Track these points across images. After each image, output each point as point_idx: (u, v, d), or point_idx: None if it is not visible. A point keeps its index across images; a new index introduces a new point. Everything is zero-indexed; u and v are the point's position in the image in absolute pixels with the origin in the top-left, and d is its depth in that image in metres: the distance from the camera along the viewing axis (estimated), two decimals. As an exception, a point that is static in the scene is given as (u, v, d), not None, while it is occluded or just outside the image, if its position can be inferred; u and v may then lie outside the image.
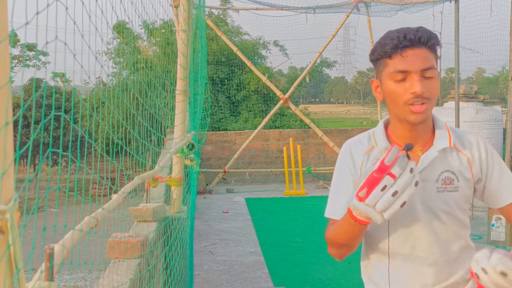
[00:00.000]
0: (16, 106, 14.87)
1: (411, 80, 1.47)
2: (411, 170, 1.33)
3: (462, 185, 1.57)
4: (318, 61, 16.33)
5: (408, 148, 1.37)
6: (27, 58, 22.57)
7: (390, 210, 1.33)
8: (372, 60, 1.57)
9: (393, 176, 1.32)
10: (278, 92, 11.30)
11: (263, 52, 17.70)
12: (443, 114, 9.89)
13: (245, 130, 12.56)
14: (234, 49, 11.31)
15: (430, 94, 1.47)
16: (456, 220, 1.59)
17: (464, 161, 1.59)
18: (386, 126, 1.65)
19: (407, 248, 1.58)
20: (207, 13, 11.02)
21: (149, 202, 3.43)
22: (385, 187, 1.32)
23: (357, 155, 1.63)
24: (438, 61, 1.56)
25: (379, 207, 1.33)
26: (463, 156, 1.60)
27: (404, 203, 1.33)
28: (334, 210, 1.62)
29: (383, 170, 1.32)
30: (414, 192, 1.35)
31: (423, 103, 1.47)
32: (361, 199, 1.35)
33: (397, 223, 1.58)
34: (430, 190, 1.55)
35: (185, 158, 3.87)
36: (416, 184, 1.34)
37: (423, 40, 1.47)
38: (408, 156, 1.36)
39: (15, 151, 0.79)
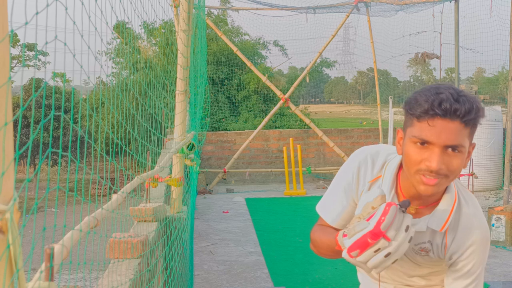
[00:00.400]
0: (16, 106, 14.88)
1: (431, 152, 1.33)
2: (407, 228, 1.28)
3: (435, 258, 1.54)
4: (318, 61, 16.34)
5: (405, 205, 1.31)
6: (27, 58, 22.58)
7: (380, 267, 1.30)
8: (404, 110, 1.42)
9: (388, 239, 1.27)
10: (278, 92, 11.30)
11: (263, 52, 17.72)
12: (443, 114, 9.87)
13: (245, 130, 12.56)
14: (234, 49, 11.31)
15: (449, 172, 1.34)
16: (425, 279, 1.63)
17: (443, 243, 1.51)
18: (399, 171, 1.53)
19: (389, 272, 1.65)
20: (206, 12, 11.02)
21: (149, 202, 3.43)
22: (378, 249, 1.28)
23: (363, 179, 1.57)
24: (473, 136, 1.39)
25: (371, 265, 1.29)
26: (445, 240, 1.50)
27: (396, 260, 1.30)
28: (326, 213, 1.63)
29: (378, 235, 1.27)
30: (407, 248, 1.30)
31: (436, 178, 1.34)
32: (352, 257, 1.31)
33: None
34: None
35: (185, 158, 3.87)
36: (410, 240, 1.30)
37: (459, 113, 1.30)
38: (403, 211, 1.30)
39: (14, 151, 0.79)
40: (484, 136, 9.77)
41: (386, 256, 1.27)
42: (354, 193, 1.58)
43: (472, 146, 1.41)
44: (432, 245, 1.50)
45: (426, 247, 1.50)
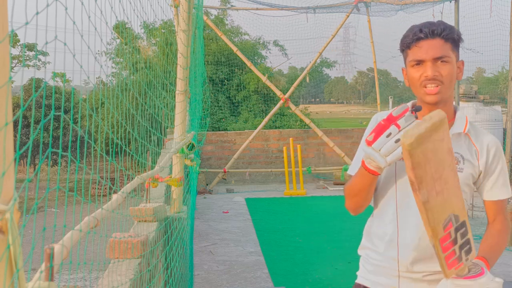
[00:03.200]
0: (16, 106, 14.88)
1: (425, 66, 1.70)
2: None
3: (466, 168, 1.76)
4: (318, 61, 16.34)
5: (417, 109, 1.54)
6: (27, 58, 22.58)
7: (392, 155, 1.52)
8: (400, 51, 1.80)
9: (398, 126, 1.51)
10: (278, 92, 11.30)
11: (263, 52, 17.71)
12: (443, 114, 9.87)
13: (245, 130, 12.56)
14: (234, 49, 11.31)
15: (443, 77, 1.68)
16: None
17: (473, 150, 1.79)
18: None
19: (406, 209, 1.76)
20: (204, 11, 11.01)
21: (149, 202, 3.43)
22: (389, 134, 1.51)
23: None
24: (458, 48, 1.76)
25: (383, 152, 1.53)
26: (473, 146, 1.79)
27: None
28: (353, 168, 1.82)
29: (390, 120, 1.52)
30: None
31: (437, 85, 1.68)
32: (369, 143, 1.55)
33: (403, 185, 1.74)
34: None
35: (185, 158, 3.87)
36: None
37: (437, 32, 1.68)
38: (416, 116, 1.52)
39: (15, 151, 0.79)
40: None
41: (397, 142, 1.50)
42: None
43: (461, 62, 1.77)
44: (462, 156, 1.76)
45: (456, 157, 1.74)
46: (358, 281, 1.91)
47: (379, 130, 1.53)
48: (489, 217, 1.86)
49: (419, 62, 1.70)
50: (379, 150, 1.53)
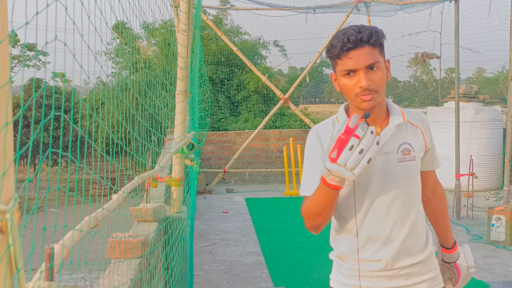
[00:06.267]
0: (16, 106, 14.88)
1: (358, 76, 1.69)
2: (372, 132, 1.52)
3: (417, 154, 1.82)
4: (318, 61, 16.32)
5: (366, 116, 1.57)
6: (27, 58, 22.60)
7: (359, 167, 1.51)
8: (328, 58, 1.77)
9: (357, 137, 1.51)
10: (278, 92, 11.30)
11: (263, 52, 17.71)
12: (443, 114, 9.88)
13: (245, 130, 12.55)
14: (234, 49, 11.31)
15: (376, 85, 1.70)
16: (415, 186, 1.83)
17: (419, 132, 1.85)
18: (347, 110, 1.87)
19: (371, 211, 1.79)
20: (203, 11, 11.00)
21: (149, 202, 3.43)
22: (352, 146, 1.51)
23: (324, 138, 1.82)
24: (384, 53, 1.76)
25: (350, 165, 1.51)
26: (417, 129, 1.85)
27: (370, 160, 1.52)
28: (308, 188, 1.76)
29: (348, 132, 1.52)
30: (377, 150, 1.53)
31: (369, 94, 1.69)
32: (333, 160, 1.53)
33: (363, 190, 1.77)
34: (393, 161, 1.78)
35: (185, 158, 3.87)
36: (378, 143, 1.53)
37: (365, 39, 1.67)
38: (367, 123, 1.54)
39: (15, 151, 0.79)
40: (484, 136, 9.76)
41: (360, 153, 1.50)
42: (324, 156, 1.76)
43: (387, 61, 1.78)
44: (410, 144, 1.81)
45: (406, 148, 1.80)
46: (332, 285, 1.91)
47: (340, 145, 1.51)
48: (429, 185, 1.97)
49: (350, 72, 1.69)
50: (345, 165, 1.51)
